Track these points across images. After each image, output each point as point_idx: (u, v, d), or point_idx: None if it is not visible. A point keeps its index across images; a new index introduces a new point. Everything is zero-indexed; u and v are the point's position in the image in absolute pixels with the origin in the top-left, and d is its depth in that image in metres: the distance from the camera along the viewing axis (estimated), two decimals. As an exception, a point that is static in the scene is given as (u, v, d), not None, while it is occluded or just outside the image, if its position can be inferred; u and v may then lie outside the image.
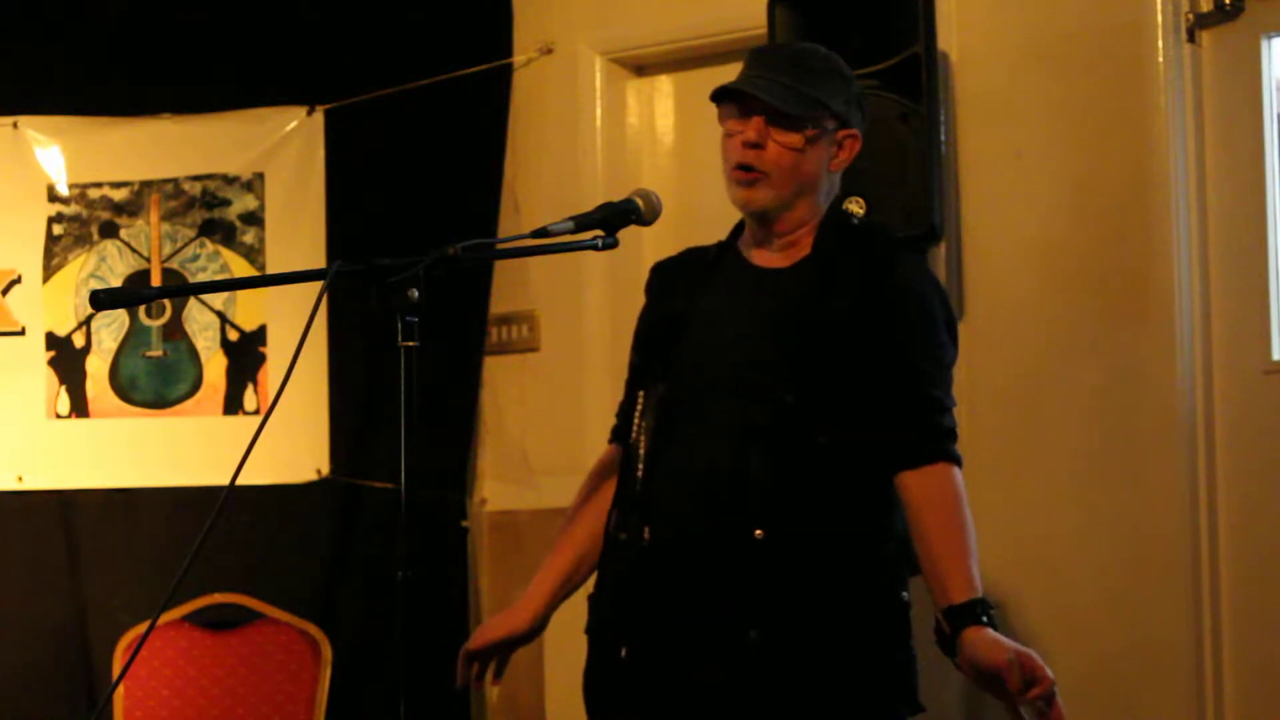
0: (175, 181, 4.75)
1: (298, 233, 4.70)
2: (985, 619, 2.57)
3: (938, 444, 2.72)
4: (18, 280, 4.73)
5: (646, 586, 2.76)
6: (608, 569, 2.86)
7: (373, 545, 4.59)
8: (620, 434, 2.96)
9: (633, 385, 2.93)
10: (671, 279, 2.98)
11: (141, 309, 4.72)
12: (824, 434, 2.71)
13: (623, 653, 2.78)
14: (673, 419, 2.81)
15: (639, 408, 2.86)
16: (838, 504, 2.72)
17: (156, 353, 4.73)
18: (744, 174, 2.81)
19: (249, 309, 4.71)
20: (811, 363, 2.72)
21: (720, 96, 2.85)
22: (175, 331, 4.72)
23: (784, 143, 2.79)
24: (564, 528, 3.00)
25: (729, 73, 2.95)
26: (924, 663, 2.78)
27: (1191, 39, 3.82)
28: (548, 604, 2.95)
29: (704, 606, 2.71)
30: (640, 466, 2.81)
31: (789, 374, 2.72)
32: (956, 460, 2.73)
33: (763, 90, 2.79)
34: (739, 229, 2.95)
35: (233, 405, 4.69)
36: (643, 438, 2.83)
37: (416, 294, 2.39)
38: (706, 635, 2.70)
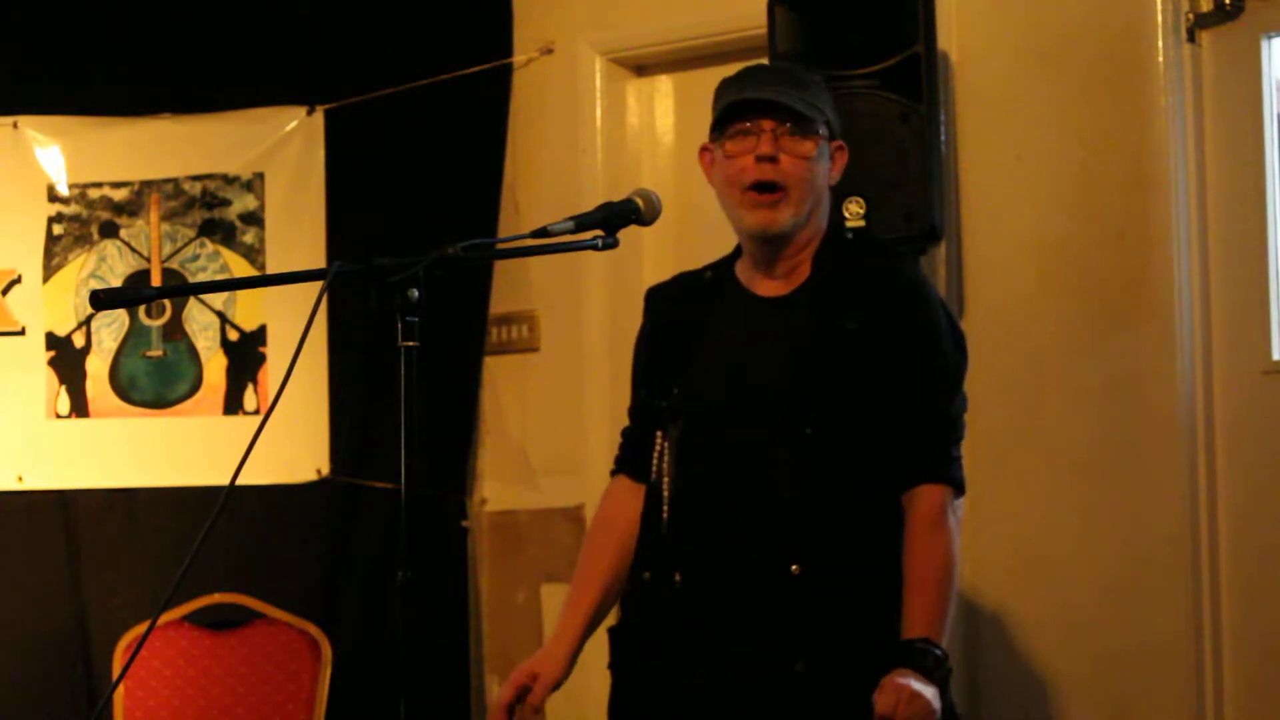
0: (175, 181, 4.75)
1: (298, 233, 4.70)
2: (920, 665, 2.58)
3: (932, 466, 2.72)
4: (18, 280, 4.73)
5: (681, 625, 2.75)
6: (633, 608, 2.85)
7: (373, 545, 4.59)
8: (627, 466, 2.94)
9: (642, 418, 2.92)
10: (672, 306, 2.95)
11: (141, 309, 4.72)
12: (846, 463, 2.70)
13: (644, 665, 2.78)
14: (694, 459, 2.79)
15: (658, 448, 2.84)
16: (867, 530, 2.72)
17: (156, 353, 4.73)
18: (761, 195, 2.75)
19: (249, 309, 4.71)
20: (827, 395, 2.71)
21: (741, 108, 2.75)
22: (175, 331, 4.72)
23: (798, 152, 2.74)
24: (582, 568, 2.96)
25: (729, 73, 2.93)
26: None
27: (1191, 39, 3.81)
28: (574, 649, 2.91)
29: (746, 642, 2.70)
30: (665, 509, 2.80)
31: (807, 408, 2.71)
32: (952, 482, 2.73)
33: (783, 96, 2.73)
34: (737, 253, 2.92)
35: (233, 405, 4.69)
36: (666, 479, 2.82)
37: (416, 294, 2.39)
38: (752, 665, 2.69)
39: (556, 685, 2.89)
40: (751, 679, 2.70)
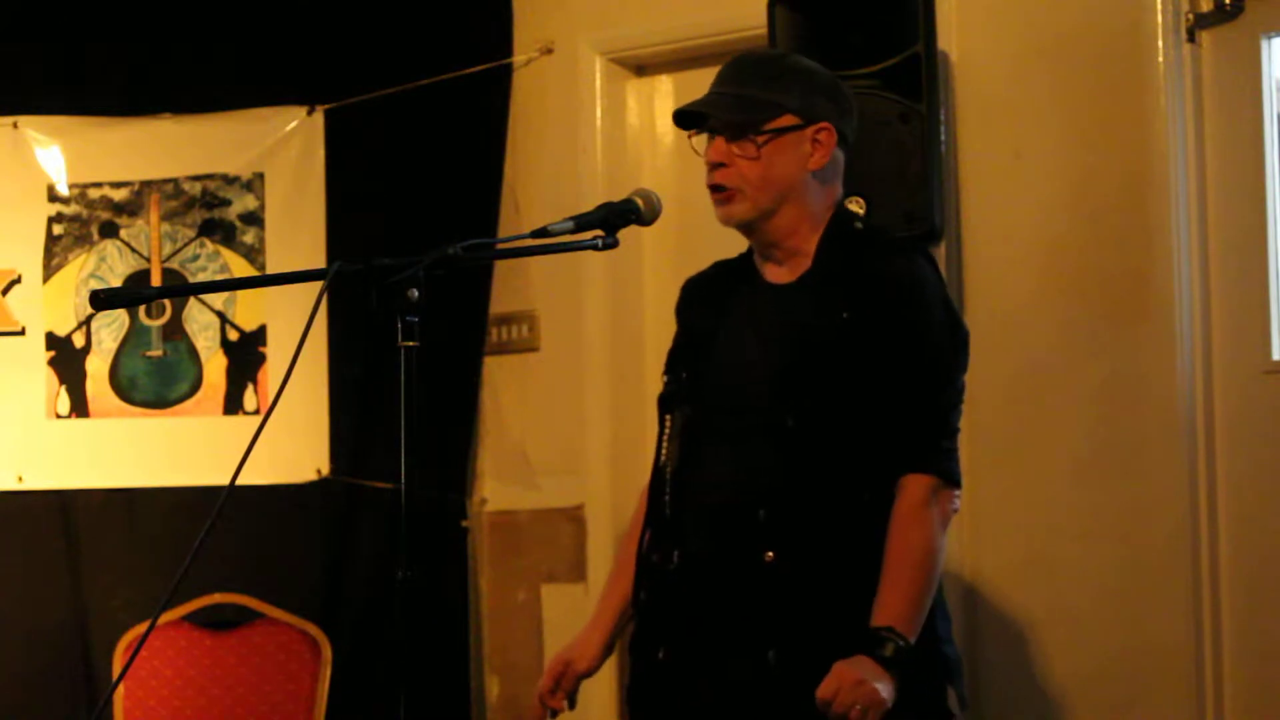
0: (175, 181, 4.75)
1: (298, 233, 4.70)
2: (876, 654, 2.59)
3: (917, 457, 2.72)
4: (18, 280, 4.73)
5: (680, 604, 2.80)
6: (643, 588, 2.88)
7: (373, 545, 4.59)
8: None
9: (663, 408, 2.95)
10: (701, 296, 2.99)
11: (141, 309, 4.72)
12: (827, 454, 2.72)
13: (661, 654, 2.81)
14: (696, 443, 2.83)
15: (666, 431, 2.88)
16: (845, 522, 2.73)
17: (156, 353, 4.73)
18: (715, 195, 2.84)
19: (249, 309, 4.71)
20: (811, 385, 2.73)
21: (677, 122, 2.89)
22: (175, 331, 4.72)
23: (741, 154, 2.80)
24: (620, 556, 3.02)
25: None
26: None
27: (1191, 39, 3.82)
28: (608, 636, 2.97)
29: (726, 626, 2.74)
30: (668, 491, 2.84)
31: (789, 398, 2.73)
32: (939, 473, 2.73)
33: (706, 105, 2.83)
34: None
35: (233, 405, 4.69)
36: (670, 463, 2.85)
37: (416, 294, 2.39)
38: (730, 652, 2.73)
39: (589, 673, 2.94)
40: (733, 667, 2.72)
